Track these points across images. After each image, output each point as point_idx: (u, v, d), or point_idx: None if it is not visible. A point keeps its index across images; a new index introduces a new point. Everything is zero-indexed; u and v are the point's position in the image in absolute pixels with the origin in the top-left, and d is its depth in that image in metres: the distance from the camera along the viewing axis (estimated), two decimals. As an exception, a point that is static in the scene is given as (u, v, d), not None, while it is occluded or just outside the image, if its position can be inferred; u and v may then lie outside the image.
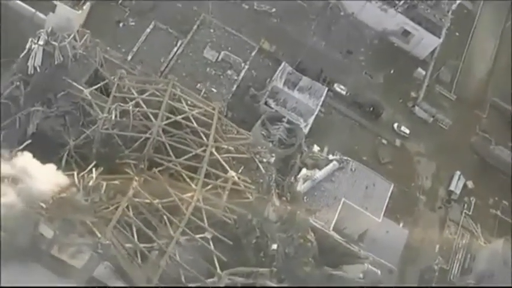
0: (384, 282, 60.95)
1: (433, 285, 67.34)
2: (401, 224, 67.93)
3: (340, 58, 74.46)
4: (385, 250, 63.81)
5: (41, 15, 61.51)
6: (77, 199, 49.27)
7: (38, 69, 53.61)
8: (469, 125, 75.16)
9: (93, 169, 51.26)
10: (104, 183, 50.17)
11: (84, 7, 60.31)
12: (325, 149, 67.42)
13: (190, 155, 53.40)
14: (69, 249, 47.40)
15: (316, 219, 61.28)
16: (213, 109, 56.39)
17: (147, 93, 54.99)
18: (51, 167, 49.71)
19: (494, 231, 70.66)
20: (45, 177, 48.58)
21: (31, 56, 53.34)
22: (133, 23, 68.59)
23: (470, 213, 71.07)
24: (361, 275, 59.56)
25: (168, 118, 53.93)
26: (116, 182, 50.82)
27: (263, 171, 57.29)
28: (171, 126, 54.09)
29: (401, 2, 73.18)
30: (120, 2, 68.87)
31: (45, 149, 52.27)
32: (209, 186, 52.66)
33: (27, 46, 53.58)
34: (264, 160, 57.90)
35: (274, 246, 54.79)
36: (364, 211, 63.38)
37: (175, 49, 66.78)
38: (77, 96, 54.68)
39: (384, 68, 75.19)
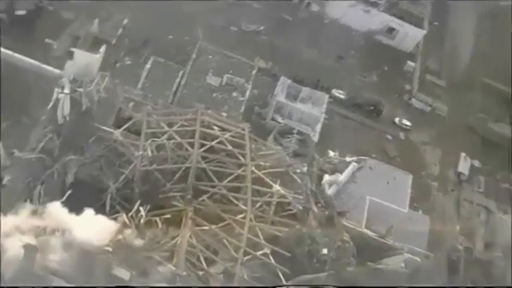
0: (423, 267, 62.78)
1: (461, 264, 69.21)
2: (420, 212, 69.85)
3: (332, 64, 76.47)
4: (413, 238, 65.53)
5: (46, 67, 61.83)
6: (132, 239, 50.01)
7: (67, 118, 54.04)
8: (465, 108, 77.68)
9: (140, 207, 52.14)
10: (157, 219, 51.13)
11: (101, 50, 60.83)
12: (337, 153, 69.04)
13: (232, 176, 54.55)
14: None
15: (348, 220, 62.95)
16: (243, 129, 57.67)
17: (177, 125, 55.95)
18: (89, 213, 50.27)
19: (508, 204, 72.96)
20: (87, 225, 49.04)
21: (59, 106, 53.74)
22: (129, 61, 69.29)
23: (482, 190, 73.36)
24: (402, 265, 61.36)
25: (203, 145, 54.99)
26: (167, 216, 51.81)
27: (299, 181, 58.63)
28: (206, 153, 55.18)
29: (383, 0, 75.54)
30: (113, 42, 69.49)
31: (87, 197, 52.83)
32: (258, 204, 53.88)
33: (54, 97, 53.92)
34: (298, 171, 59.26)
35: (325, 251, 56.18)
36: (390, 205, 65.34)
37: (177, 80, 67.86)
38: (108, 139, 55.37)
39: (375, 66, 77.50)
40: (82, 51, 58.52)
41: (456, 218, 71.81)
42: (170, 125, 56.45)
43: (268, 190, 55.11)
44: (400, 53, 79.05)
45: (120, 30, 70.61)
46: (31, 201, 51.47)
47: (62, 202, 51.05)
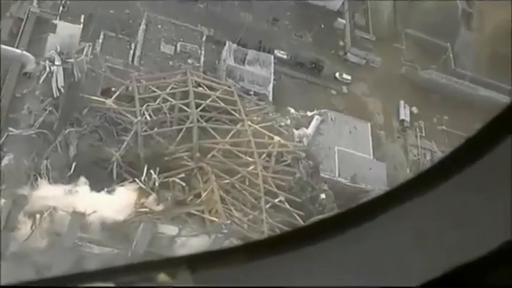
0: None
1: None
2: (375, 160, 72.94)
3: (269, 27, 77.96)
4: (376, 183, 68.69)
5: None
6: (154, 203, 49.79)
7: (63, 90, 52.62)
8: (395, 58, 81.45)
9: (151, 171, 51.84)
10: (174, 179, 51.10)
11: (82, 20, 59.31)
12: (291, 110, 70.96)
13: (233, 132, 55.21)
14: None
15: (323, 171, 65.06)
16: (229, 87, 58.32)
17: (169, 87, 55.84)
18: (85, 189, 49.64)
19: (446, 144, 77.42)
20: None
21: (53, 79, 52.19)
22: (76, 38, 67.74)
23: (423, 134, 77.45)
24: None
25: (199, 104, 55.24)
26: (182, 175, 51.87)
27: (286, 133, 59.97)
28: (203, 112, 55.56)
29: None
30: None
31: (92, 167, 51.97)
32: (263, 156, 54.81)
33: (47, 70, 52.24)
34: (282, 124, 60.59)
35: (323, 196, 58.04)
36: (357, 153, 68.09)
37: (131, 52, 67.16)
38: (101, 109, 54.46)
39: (308, 26, 79.46)
40: (65, 22, 56.91)
41: (406, 162, 75.55)
42: (160, 88, 56.22)
43: (270, 141, 56.13)
44: (329, 12, 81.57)
45: (60, 8, 68.81)
46: (39, 176, 49.92)
47: (69, 175, 50.29)
